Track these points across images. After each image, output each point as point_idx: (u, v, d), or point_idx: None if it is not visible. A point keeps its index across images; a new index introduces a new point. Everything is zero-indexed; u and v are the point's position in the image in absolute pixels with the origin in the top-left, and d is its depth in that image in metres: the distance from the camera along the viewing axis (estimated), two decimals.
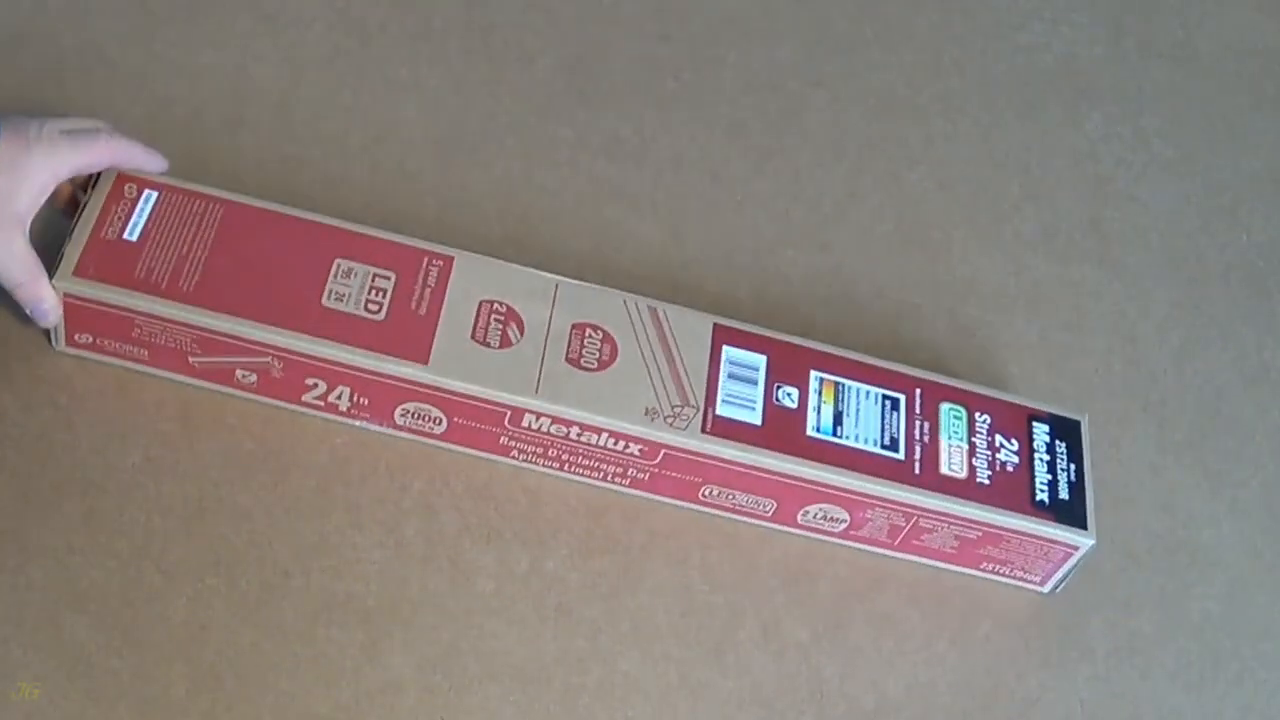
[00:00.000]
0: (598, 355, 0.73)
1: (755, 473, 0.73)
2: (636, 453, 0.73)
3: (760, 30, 1.02)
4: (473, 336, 0.72)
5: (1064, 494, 0.76)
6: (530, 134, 0.92)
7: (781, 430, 0.73)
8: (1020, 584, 0.79)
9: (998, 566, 0.78)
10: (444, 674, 0.70)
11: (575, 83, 0.95)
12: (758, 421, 0.73)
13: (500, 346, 0.72)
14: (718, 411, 0.73)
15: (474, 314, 0.72)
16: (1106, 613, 0.81)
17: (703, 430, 0.72)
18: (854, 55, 1.02)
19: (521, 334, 0.72)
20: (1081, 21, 1.09)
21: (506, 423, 0.72)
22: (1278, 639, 0.82)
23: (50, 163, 0.68)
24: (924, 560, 0.78)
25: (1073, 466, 0.77)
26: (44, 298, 0.69)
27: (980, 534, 0.75)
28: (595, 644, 0.72)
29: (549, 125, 0.92)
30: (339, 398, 0.72)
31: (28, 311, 0.69)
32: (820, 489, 0.74)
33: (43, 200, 0.69)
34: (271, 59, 0.90)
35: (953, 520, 0.75)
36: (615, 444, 0.72)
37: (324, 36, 0.92)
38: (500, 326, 0.72)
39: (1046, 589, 0.79)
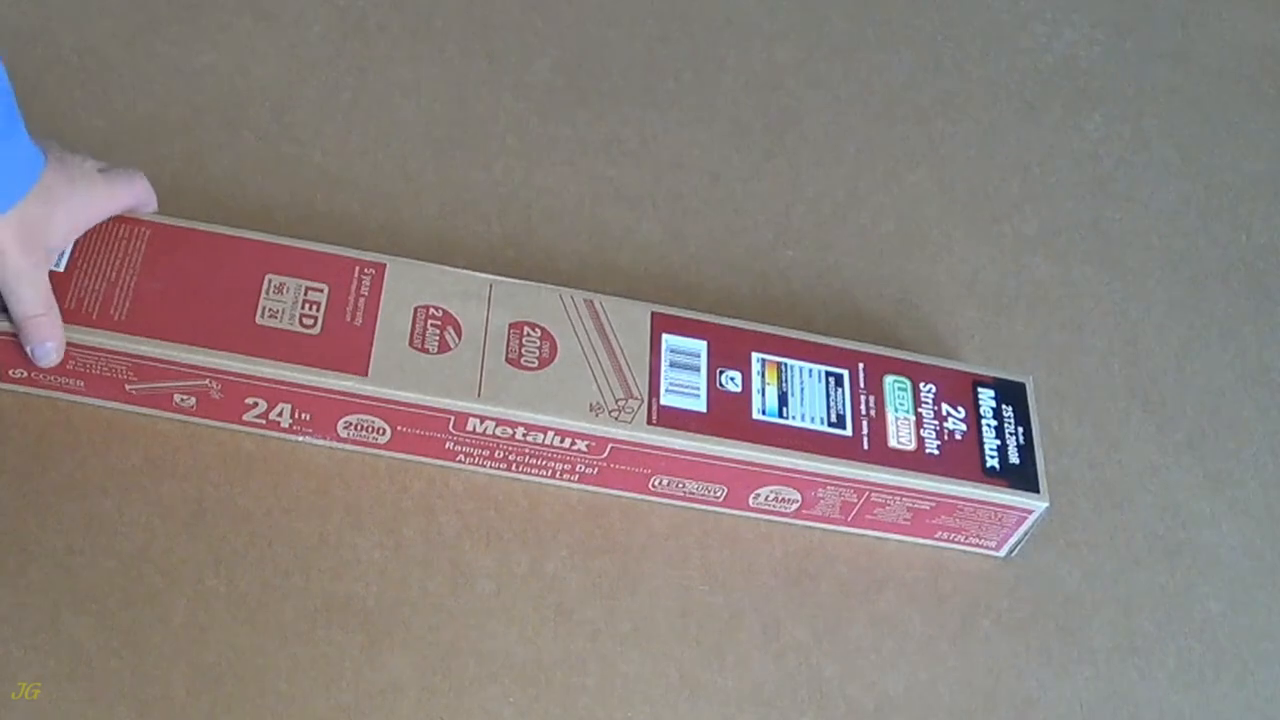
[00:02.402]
0: (538, 353, 0.72)
1: (704, 460, 0.73)
2: (584, 449, 0.72)
3: (760, 30, 1.02)
4: (411, 344, 0.71)
5: (1014, 458, 0.76)
6: (530, 134, 0.92)
7: (727, 415, 0.73)
8: (976, 550, 0.79)
9: (952, 535, 0.78)
10: (444, 674, 0.70)
11: (575, 83, 0.95)
12: (703, 408, 0.73)
13: (439, 352, 0.71)
14: (662, 402, 0.72)
15: (410, 321, 0.72)
16: (1106, 613, 0.81)
17: (649, 422, 0.72)
18: (854, 55, 1.02)
19: (460, 337, 0.72)
20: (1081, 22, 1.09)
21: (451, 428, 0.72)
22: (1278, 639, 0.82)
23: (89, 201, 0.68)
24: (878, 534, 0.78)
25: (1021, 430, 0.77)
26: (53, 336, 0.67)
27: (933, 505, 0.75)
28: (595, 644, 0.72)
29: (549, 125, 0.92)
30: (280, 415, 0.72)
31: (28, 350, 0.67)
32: (770, 471, 0.73)
33: (74, 239, 0.68)
34: (271, 59, 0.90)
35: (905, 493, 0.75)
36: (561, 442, 0.72)
37: (324, 36, 0.92)
38: (438, 331, 0.72)
39: (1002, 554, 0.80)
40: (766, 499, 0.76)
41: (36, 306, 0.66)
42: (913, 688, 0.75)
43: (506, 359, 0.72)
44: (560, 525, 0.75)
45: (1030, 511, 0.76)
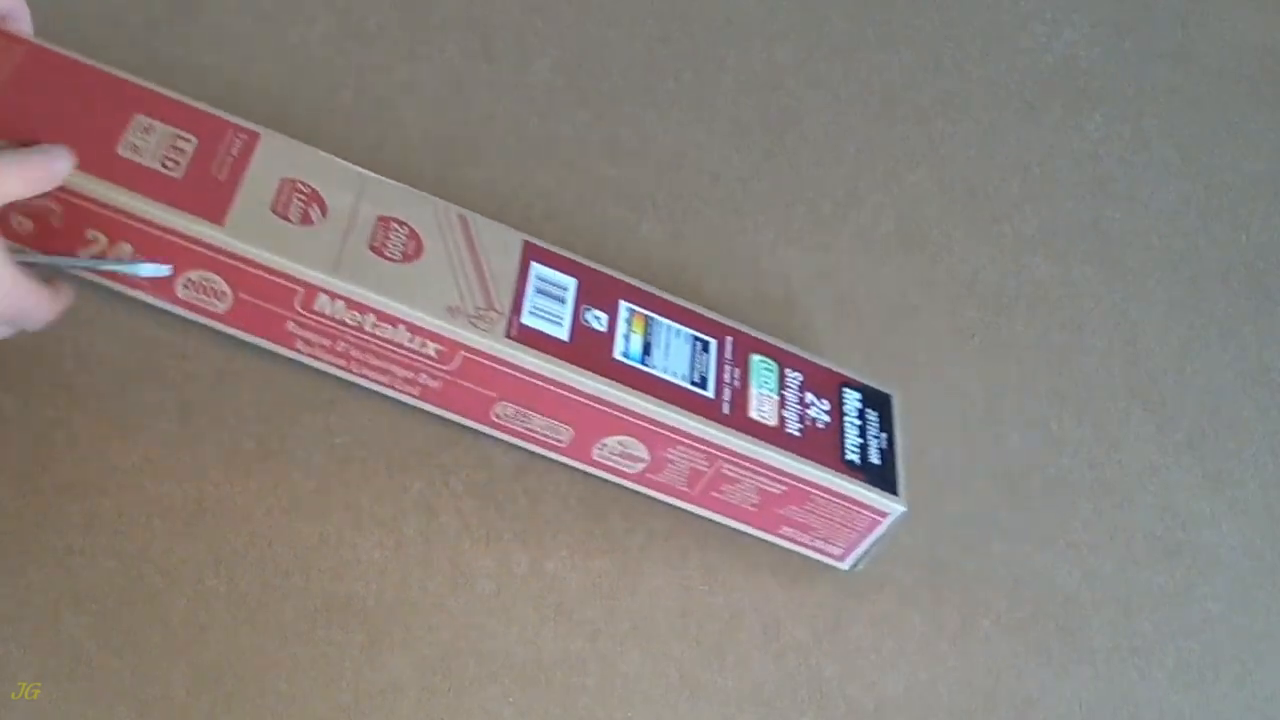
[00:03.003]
0: (402, 248, 0.69)
1: (556, 390, 0.70)
2: (433, 354, 0.69)
3: (760, 30, 1.02)
4: (273, 209, 0.67)
5: (875, 458, 0.74)
6: (530, 134, 0.92)
7: (588, 349, 0.70)
8: (819, 556, 0.77)
9: (797, 533, 0.75)
10: (444, 674, 0.70)
11: (575, 83, 0.95)
12: (565, 337, 0.70)
13: (301, 223, 0.67)
14: (523, 320, 0.69)
15: (276, 188, 0.68)
16: (1106, 613, 0.81)
17: (507, 335, 0.68)
18: (854, 55, 1.02)
19: (324, 215, 0.68)
20: (1081, 22, 1.09)
21: (298, 305, 0.68)
22: (1278, 639, 0.82)
23: None
24: (721, 519, 0.76)
25: (884, 435, 0.75)
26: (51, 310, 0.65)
27: (785, 488, 0.72)
28: (595, 644, 0.72)
29: (549, 125, 0.92)
30: (119, 256, 0.67)
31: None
32: (623, 416, 0.70)
33: None
34: (271, 59, 0.90)
35: (759, 469, 0.72)
36: (411, 340, 0.69)
37: (324, 36, 0.92)
38: (302, 205, 0.68)
39: (847, 565, 0.77)
40: (612, 451, 0.73)
41: (39, 311, 0.64)
42: (913, 688, 0.75)
43: (370, 246, 0.68)
44: (560, 525, 0.75)
45: (884, 515, 0.73)
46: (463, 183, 0.88)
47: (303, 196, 0.68)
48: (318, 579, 0.71)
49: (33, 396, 0.73)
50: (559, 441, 0.73)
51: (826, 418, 0.74)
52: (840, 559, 0.77)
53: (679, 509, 0.77)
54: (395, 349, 0.69)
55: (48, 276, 0.65)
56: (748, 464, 0.72)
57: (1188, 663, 0.80)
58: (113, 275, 0.68)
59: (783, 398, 0.73)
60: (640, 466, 0.74)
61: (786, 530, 0.76)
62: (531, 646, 0.71)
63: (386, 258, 0.68)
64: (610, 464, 0.74)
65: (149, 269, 0.66)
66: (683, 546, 0.77)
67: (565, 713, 0.70)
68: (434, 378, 0.71)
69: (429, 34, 0.95)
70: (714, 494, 0.74)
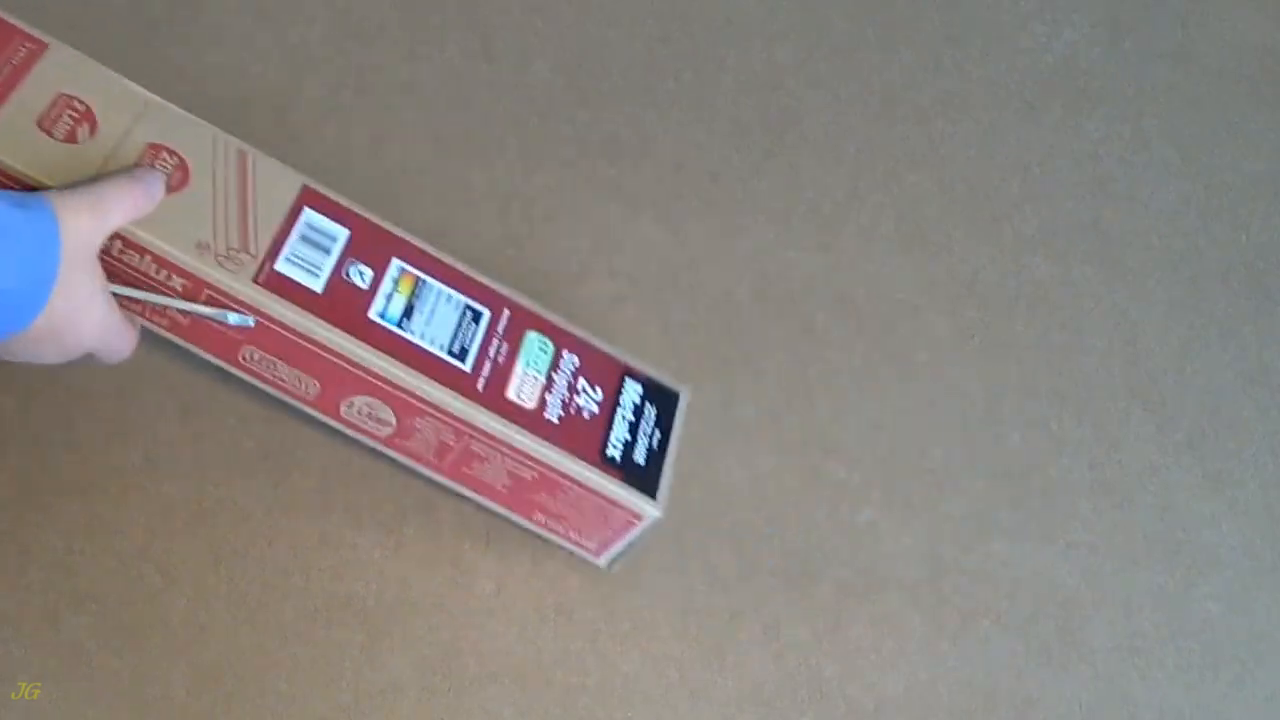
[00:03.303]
0: (170, 176, 0.66)
1: (300, 341, 0.67)
2: (179, 288, 0.66)
3: (760, 30, 1.02)
4: (38, 123, 0.64)
5: (639, 457, 0.71)
6: (530, 134, 0.92)
7: (341, 304, 0.67)
8: (574, 549, 0.75)
9: (551, 522, 0.73)
10: (444, 674, 0.70)
11: (575, 83, 0.95)
12: (319, 289, 0.67)
13: (65, 140, 0.65)
14: (276, 267, 0.66)
15: (49, 103, 0.65)
16: (1106, 613, 0.81)
17: (254, 280, 0.65)
18: (854, 55, 1.02)
19: (92, 135, 0.65)
20: (1081, 22, 1.09)
21: None
22: (1278, 639, 0.82)
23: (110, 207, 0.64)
24: (474, 497, 0.73)
25: (658, 434, 0.72)
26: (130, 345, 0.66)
27: (535, 474, 0.70)
28: (595, 644, 0.72)
29: (549, 125, 0.92)
30: None
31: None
32: (367, 378, 0.68)
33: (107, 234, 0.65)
34: (272, 59, 0.90)
35: (507, 451, 0.69)
36: (158, 272, 0.66)
37: (324, 36, 0.92)
38: (72, 122, 0.65)
39: (602, 561, 0.75)
40: (360, 412, 0.70)
41: (120, 344, 0.65)
42: (913, 688, 0.75)
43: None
44: None
45: (639, 516, 0.70)
46: (462, 183, 0.88)
47: (74, 114, 0.66)
48: (318, 579, 0.71)
49: (33, 396, 0.73)
50: (306, 394, 0.70)
51: (595, 408, 0.71)
52: (595, 554, 0.74)
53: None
54: (142, 277, 0.66)
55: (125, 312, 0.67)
56: (495, 444, 0.69)
57: (1188, 663, 0.80)
58: (190, 318, 0.68)
59: (550, 380, 0.70)
60: (388, 431, 0.71)
61: (539, 517, 0.73)
62: (531, 646, 0.71)
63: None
64: (358, 424, 0.71)
65: (236, 319, 0.66)
66: (683, 546, 0.77)
67: (565, 713, 0.70)
68: (182, 313, 0.68)
69: (429, 34, 0.95)
70: (464, 469, 0.72)
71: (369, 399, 0.69)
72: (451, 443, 0.70)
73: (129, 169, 0.65)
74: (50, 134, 0.65)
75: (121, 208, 0.62)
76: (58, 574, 0.68)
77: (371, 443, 0.72)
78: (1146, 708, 0.78)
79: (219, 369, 0.70)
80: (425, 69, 0.93)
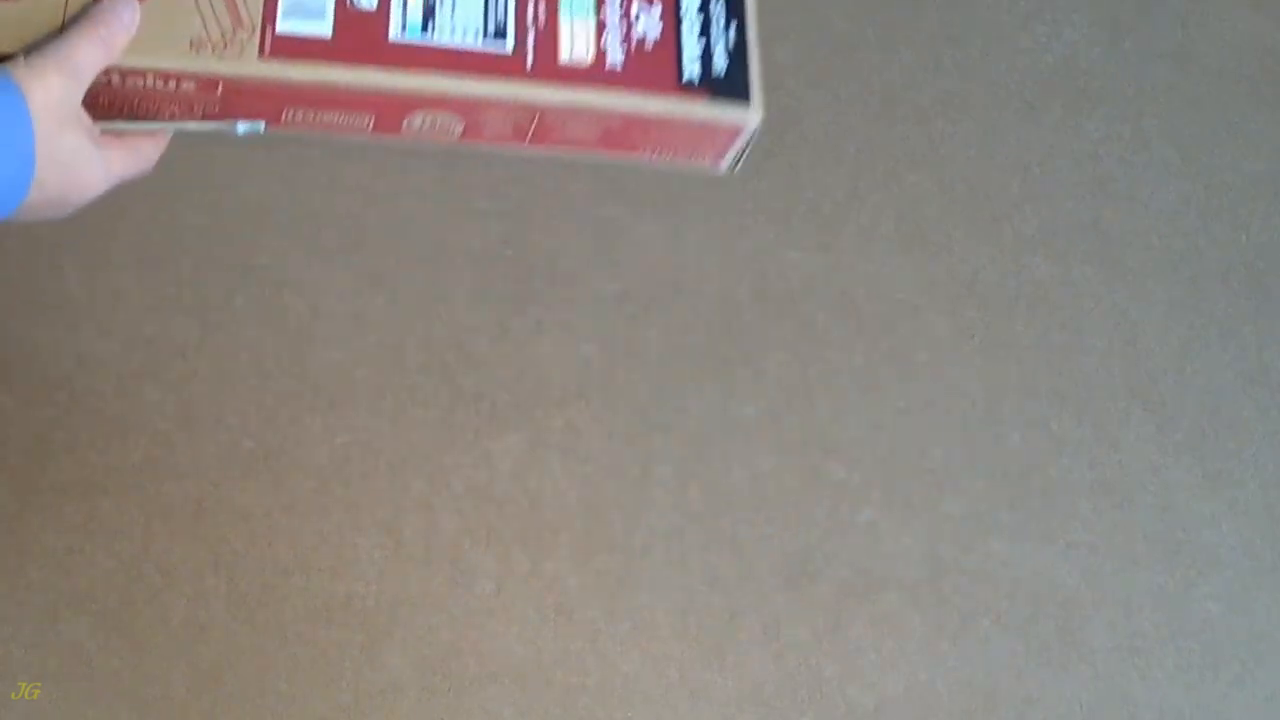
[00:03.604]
0: None
1: (333, 91, 0.63)
2: (193, 89, 0.63)
3: (760, 30, 1.02)
4: None
5: (719, 66, 0.65)
6: None
7: (357, 39, 0.63)
8: (693, 164, 0.69)
9: (658, 154, 0.68)
10: (444, 674, 0.70)
11: None
12: (327, 33, 0.62)
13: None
14: (278, 30, 0.62)
15: None
16: (1106, 613, 0.81)
17: (261, 55, 0.61)
18: (854, 55, 1.02)
19: None
20: (1081, 22, 1.09)
21: None
22: (1278, 639, 0.82)
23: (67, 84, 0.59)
24: (572, 156, 0.69)
25: (733, 26, 0.67)
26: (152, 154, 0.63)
27: (621, 123, 0.65)
28: (595, 644, 0.72)
29: None
30: None
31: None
32: (413, 99, 0.64)
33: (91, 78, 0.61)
34: None
35: (582, 113, 0.65)
36: (165, 85, 0.62)
37: None
38: None
39: (723, 168, 0.69)
40: (422, 125, 0.66)
41: (131, 166, 0.62)
42: (913, 688, 0.75)
43: None
44: (560, 525, 0.75)
45: (740, 126, 0.65)
46: (463, 183, 0.88)
47: None
48: (318, 579, 0.71)
49: (33, 396, 0.73)
50: (362, 128, 0.66)
51: (658, 28, 0.65)
52: (713, 165, 0.69)
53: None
54: (157, 94, 0.63)
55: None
56: (566, 112, 0.64)
57: (1188, 663, 0.80)
58: (214, 104, 0.64)
59: (600, 21, 0.64)
60: (458, 131, 0.67)
61: (645, 153, 0.68)
62: (531, 646, 0.71)
63: None
64: (426, 135, 0.67)
65: (244, 127, 0.63)
66: (683, 546, 0.77)
67: (565, 713, 0.70)
68: (209, 104, 0.64)
69: None
70: (549, 139, 0.68)
71: (424, 114, 0.65)
72: (525, 123, 0.66)
73: (91, 11, 0.61)
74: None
75: (91, 57, 0.60)
76: (58, 574, 0.68)
77: (448, 145, 0.67)
78: (1146, 708, 0.78)
79: (219, 367, 0.70)
80: None
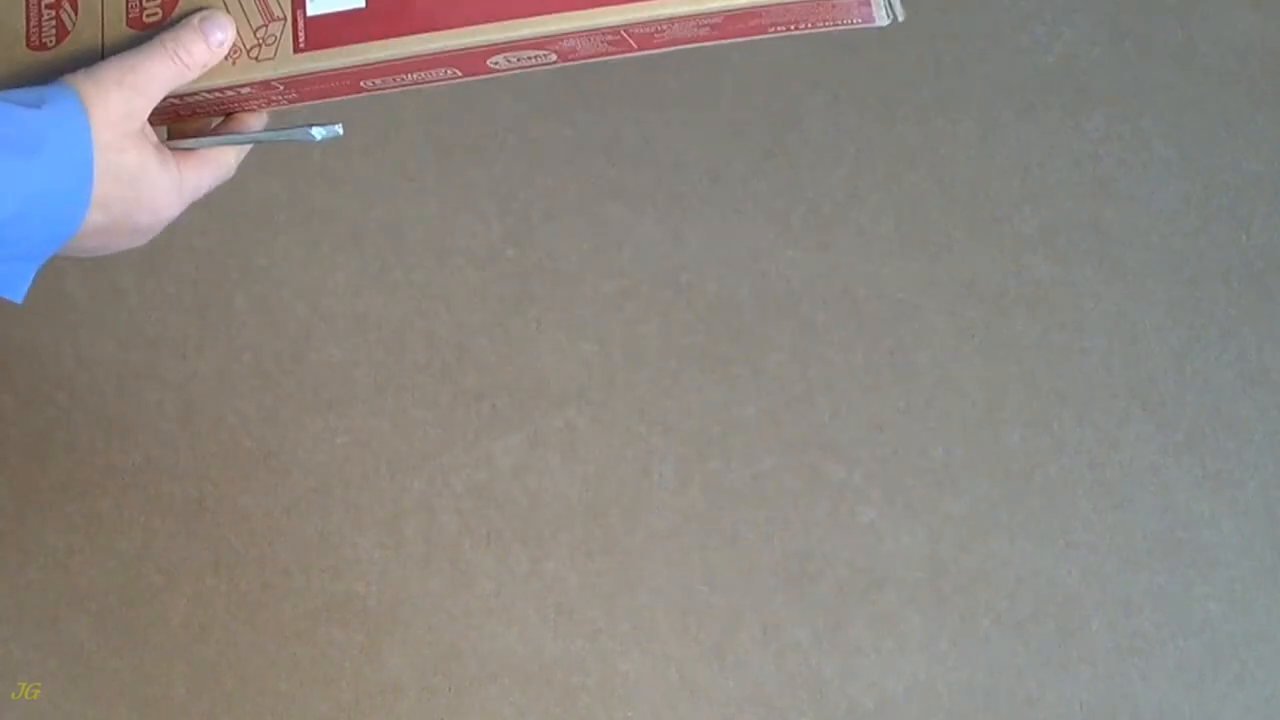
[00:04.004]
0: (160, 1, 0.58)
1: (391, 63, 0.58)
2: (249, 91, 0.59)
3: None
4: (28, 44, 0.58)
5: None
6: (530, 134, 0.92)
7: (394, 2, 0.57)
8: (836, 28, 0.61)
9: (786, 28, 0.60)
10: (444, 674, 0.70)
11: (575, 83, 0.95)
12: (361, 3, 0.57)
13: (59, 42, 0.58)
14: (310, 13, 0.57)
15: (24, 15, 0.59)
16: (1106, 613, 0.81)
17: (296, 49, 0.57)
18: (854, 55, 1.02)
19: (76, 12, 0.58)
20: (1081, 22, 1.09)
21: None
22: (1277, 639, 0.82)
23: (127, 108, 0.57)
24: (684, 49, 0.59)
25: None
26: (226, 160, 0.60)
27: (728, 18, 0.58)
28: (595, 644, 0.72)
29: (549, 125, 0.92)
30: None
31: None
32: (488, 48, 0.57)
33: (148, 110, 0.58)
34: None
35: (681, 21, 0.56)
36: (219, 94, 0.59)
37: None
38: (54, 16, 0.58)
39: (878, 20, 0.61)
40: (511, 61, 0.59)
41: (205, 182, 0.59)
42: (913, 688, 0.75)
43: (128, 20, 0.58)
44: (560, 524, 0.75)
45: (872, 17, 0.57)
46: (463, 183, 0.88)
47: (52, 6, 0.58)
48: (318, 579, 0.71)
49: (33, 396, 0.73)
50: (450, 77, 0.61)
51: None
52: (863, 21, 0.60)
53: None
54: (211, 99, 0.59)
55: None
56: (660, 24, 0.56)
57: (1188, 663, 0.80)
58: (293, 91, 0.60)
59: None
60: (552, 58, 0.59)
61: (772, 30, 0.59)
62: (531, 646, 0.71)
63: (147, 24, 0.58)
64: (520, 67, 0.60)
65: (322, 132, 0.58)
66: (683, 546, 0.77)
67: (565, 713, 0.70)
68: (281, 96, 0.60)
69: None
70: (653, 44, 0.59)
71: (507, 55, 0.58)
72: (616, 41, 0.57)
73: (175, 27, 0.58)
74: (45, 48, 0.59)
75: (161, 72, 0.56)
76: (58, 574, 0.68)
77: (541, 69, 0.59)
78: (1146, 708, 0.78)
79: (219, 367, 0.70)
80: None
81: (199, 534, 0.71)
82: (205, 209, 0.80)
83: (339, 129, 0.59)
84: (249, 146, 0.61)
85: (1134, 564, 0.83)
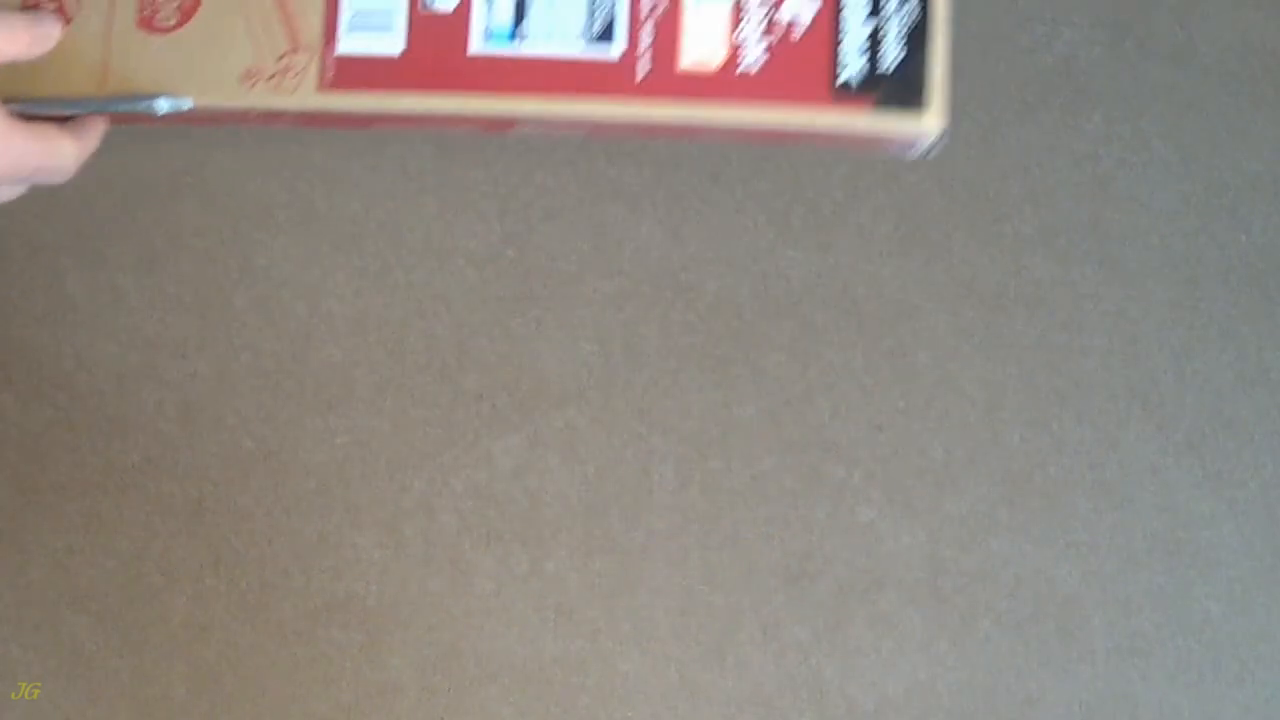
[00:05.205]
0: (176, 3, 0.54)
1: (411, 116, 0.55)
2: (261, 115, 0.56)
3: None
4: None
5: (890, 59, 0.51)
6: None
7: (433, 55, 0.53)
8: (869, 156, 0.56)
9: (821, 146, 0.57)
10: (444, 674, 0.70)
11: None
12: (396, 50, 0.53)
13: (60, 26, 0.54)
14: (339, 50, 0.53)
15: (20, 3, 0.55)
16: (1106, 613, 0.81)
17: (320, 87, 0.53)
18: None
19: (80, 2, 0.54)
20: (1081, 22, 1.09)
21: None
22: (1277, 639, 0.82)
23: None
24: (714, 127, 0.55)
25: (911, 4, 0.51)
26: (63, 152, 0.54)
27: (761, 135, 0.55)
28: (595, 644, 0.72)
29: None
30: None
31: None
32: (508, 119, 0.55)
33: None
34: None
35: (708, 130, 0.54)
36: (233, 114, 0.56)
37: None
38: (56, 5, 0.54)
39: (912, 157, 0.58)
40: (532, 131, 0.56)
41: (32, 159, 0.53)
42: (913, 688, 0.75)
43: (139, 20, 0.54)
44: (560, 524, 0.75)
45: (915, 138, 0.53)
46: (463, 183, 0.88)
47: None
48: (318, 579, 0.71)
49: (33, 396, 0.73)
50: (470, 129, 0.57)
51: (810, 10, 0.50)
52: (900, 155, 0.57)
53: (679, 505, 0.76)
54: (210, 118, 0.57)
55: (68, 121, 0.56)
56: (689, 130, 0.54)
57: (1188, 663, 0.80)
58: (128, 115, 0.56)
59: (737, 4, 0.51)
60: (579, 132, 0.57)
61: (811, 144, 0.56)
62: (531, 646, 0.71)
63: (159, 29, 0.54)
64: (541, 135, 0.58)
65: (167, 104, 0.54)
66: (683, 546, 0.77)
67: (565, 713, 0.70)
68: (281, 122, 0.57)
69: None
70: (685, 139, 0.57)
71: (527, 129, 0.56)
72: (645, 132, 0.55)
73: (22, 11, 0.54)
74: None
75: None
76: (58, 574, 0.68)
77: (559, 134, 0.57)
78: (1146, 708, 0.78)
79: (219, 367, 0.70)
80: None
81: (199, 534, 0.71)
82: (206, 209, 0.80)
83: (188, 102, 0.54)
84: (91, 143, 0.56)
85: (1134, 564, 0.83)
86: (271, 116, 0.56)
